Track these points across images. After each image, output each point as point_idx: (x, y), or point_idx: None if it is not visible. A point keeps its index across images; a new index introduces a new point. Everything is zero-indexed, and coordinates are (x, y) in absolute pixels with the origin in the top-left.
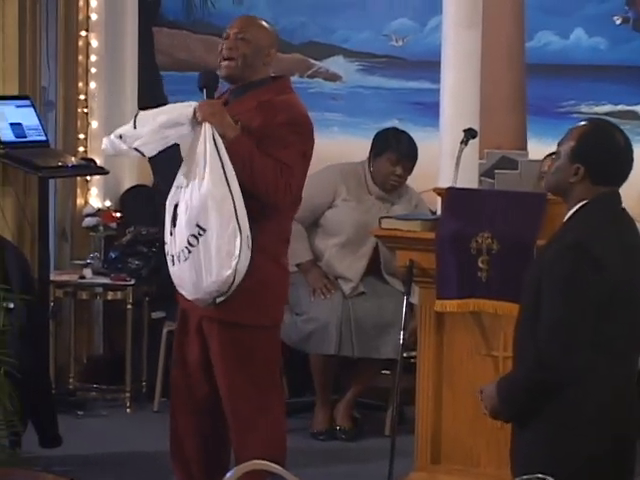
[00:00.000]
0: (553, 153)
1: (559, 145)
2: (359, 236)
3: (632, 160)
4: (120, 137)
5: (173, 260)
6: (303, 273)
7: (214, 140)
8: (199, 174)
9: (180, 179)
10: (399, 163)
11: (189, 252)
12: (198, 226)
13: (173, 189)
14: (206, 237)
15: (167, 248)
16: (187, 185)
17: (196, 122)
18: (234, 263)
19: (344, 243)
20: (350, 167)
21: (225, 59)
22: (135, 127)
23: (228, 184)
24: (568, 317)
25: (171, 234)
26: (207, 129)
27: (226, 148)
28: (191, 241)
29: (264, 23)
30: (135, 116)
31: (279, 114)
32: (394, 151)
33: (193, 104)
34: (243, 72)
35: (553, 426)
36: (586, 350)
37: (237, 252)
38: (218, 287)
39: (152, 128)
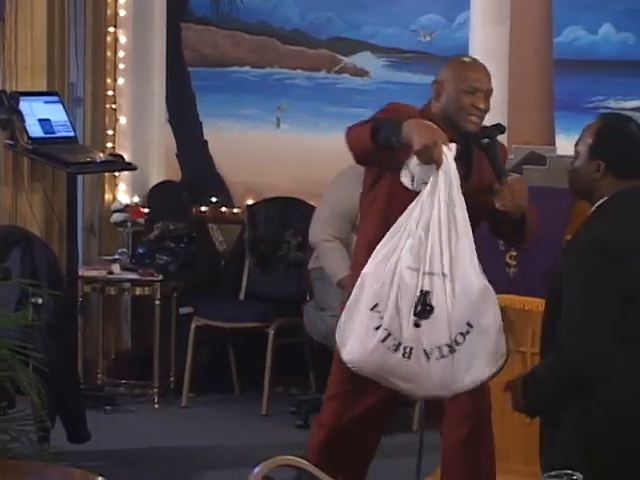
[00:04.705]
0: None
1: (576, 146)
2: None
3: None
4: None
5: (409, 353)
6: (342, 288)
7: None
8: (451, 261)
9: (412, 253)
10: None
11: (451, 351)
12: (468, 324)
13: (404, 268)
14: (472, 335)
15: (395, 333)
16: (429, 271)
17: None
18: (501, 362)
19: None
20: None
21: (479, 116)
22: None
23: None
24: (586, 314)
25: (416, 325)
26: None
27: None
28: (458, 339)
29: None
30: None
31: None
32: None
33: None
34: None
35: (580, 422)
36: (609, 346)
37: (504, 349)
38: (473, 387)
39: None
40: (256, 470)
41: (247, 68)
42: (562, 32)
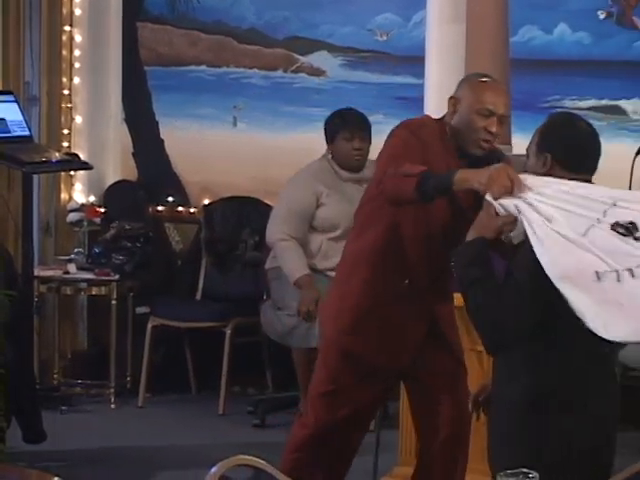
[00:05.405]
0: None
1: (527, 149)
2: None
3: (599, 145)
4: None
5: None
6: (299, 287)
7: None
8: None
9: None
10: (354, 137)
11: None
12: None
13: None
14: None
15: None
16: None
17: None
18: None
19: (340, 236)
20: (316, 165)
21: (488, 141)
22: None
23: None
24: (506, 304)
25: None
26: None
27: None
28: None
29: None
30: None
31: None
32: (344, 128)
33: None
34: None
35: (527, 416)
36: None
37: None
38: None
39: None
40: (213, 470)
41: (203, 67)
42: (518, 32)
